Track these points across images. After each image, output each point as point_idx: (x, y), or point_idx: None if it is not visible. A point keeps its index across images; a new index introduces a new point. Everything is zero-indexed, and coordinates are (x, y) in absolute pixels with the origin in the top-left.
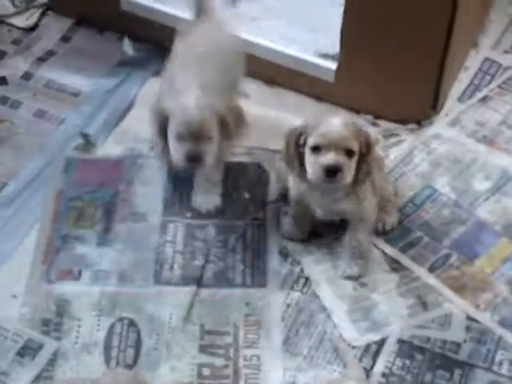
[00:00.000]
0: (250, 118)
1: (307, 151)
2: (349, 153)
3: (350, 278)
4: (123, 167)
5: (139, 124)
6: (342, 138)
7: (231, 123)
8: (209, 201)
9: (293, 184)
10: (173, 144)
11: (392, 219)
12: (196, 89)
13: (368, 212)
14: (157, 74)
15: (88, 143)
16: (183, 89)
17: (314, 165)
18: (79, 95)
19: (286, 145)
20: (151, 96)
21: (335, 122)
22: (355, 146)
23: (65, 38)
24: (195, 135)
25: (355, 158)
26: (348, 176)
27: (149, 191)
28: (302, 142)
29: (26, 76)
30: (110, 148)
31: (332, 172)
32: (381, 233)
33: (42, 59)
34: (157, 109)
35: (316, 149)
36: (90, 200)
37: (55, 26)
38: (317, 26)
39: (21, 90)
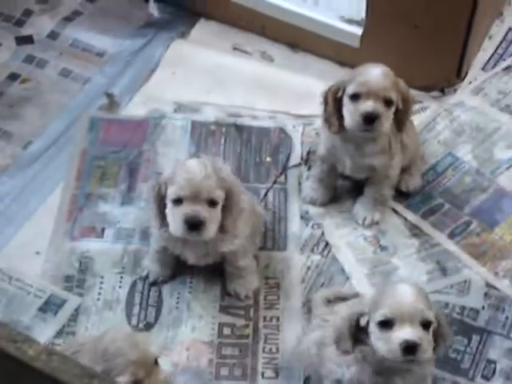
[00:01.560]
0: (273, 82)
1: (346, 100)
2: (387, 102)
3: (371, 224)
4: (147, 128)
5: (163, 85)
6: (382, 88)
7: (237, 195)
8: (246, 286)
9: (324, 140)
10: (170, 210)
11: (415, 181)
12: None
13: (395, 169)
14: (182, 35)
15: (112, 103)
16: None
17: (352, 113)
18: (104, 55)
19: (324, 100)
20: (176, 58)
21: (375, 72)
22: (394, 96)
23: None
24: (196, 196)
25: (393, 109)
26: (385, 125)
27: (171, 151)
28: (340, 94)
29: (53, 35)
30: (134, 108)
31: (370, 119)
32: (403, 193)
33: (68, 19)
34: (155, 183)
35: (355, 97)
36: (114, 159)
37: None
38: None
39: (47, 49)
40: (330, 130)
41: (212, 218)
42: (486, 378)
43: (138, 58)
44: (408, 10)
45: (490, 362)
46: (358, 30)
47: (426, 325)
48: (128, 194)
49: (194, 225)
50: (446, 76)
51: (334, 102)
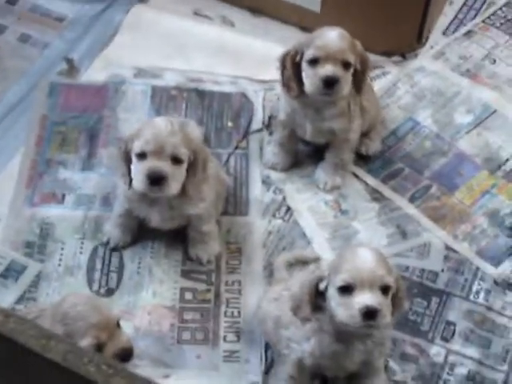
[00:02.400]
0: (234, 47)
1: (304, 65)
2: (346, 65)
3: (332, 189)
4: (107, 93)
5: (124, 50)
6: (339, 50)
7: (203, 158)
8: (208, 251)
9: (283, 105)
10: (134, 165)
11: (375, 145)
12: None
13: (355, 132)
14: (142, 0)
15: (72, 68)
16: None
17: (312, 77)
18: (64, 20)
19: (281, 64)
20: (136, 23)
21: (332, 35)
22: (352, 58)
23: None
24: (160, 151)
25: (351, 71)
26: (345, 88)
27: (132, 117)
28: (298, 59)
29: (11, 0)
30: (94, 74)
31: (330, 83)
32: (364, 158)
33: None
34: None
35: (314, 61)
36: (74, 125)
37: None
38: None
39: (5, 14)
40: (290, 95)
41: (175, 175)
42: (445, 339)
43: (97, 22)
44: None
45: (449, 323)
46: None
47: (385, 289)
48: (88, 160)
49: (155, 180)
50: (406, 41)
51: (292, 67)
